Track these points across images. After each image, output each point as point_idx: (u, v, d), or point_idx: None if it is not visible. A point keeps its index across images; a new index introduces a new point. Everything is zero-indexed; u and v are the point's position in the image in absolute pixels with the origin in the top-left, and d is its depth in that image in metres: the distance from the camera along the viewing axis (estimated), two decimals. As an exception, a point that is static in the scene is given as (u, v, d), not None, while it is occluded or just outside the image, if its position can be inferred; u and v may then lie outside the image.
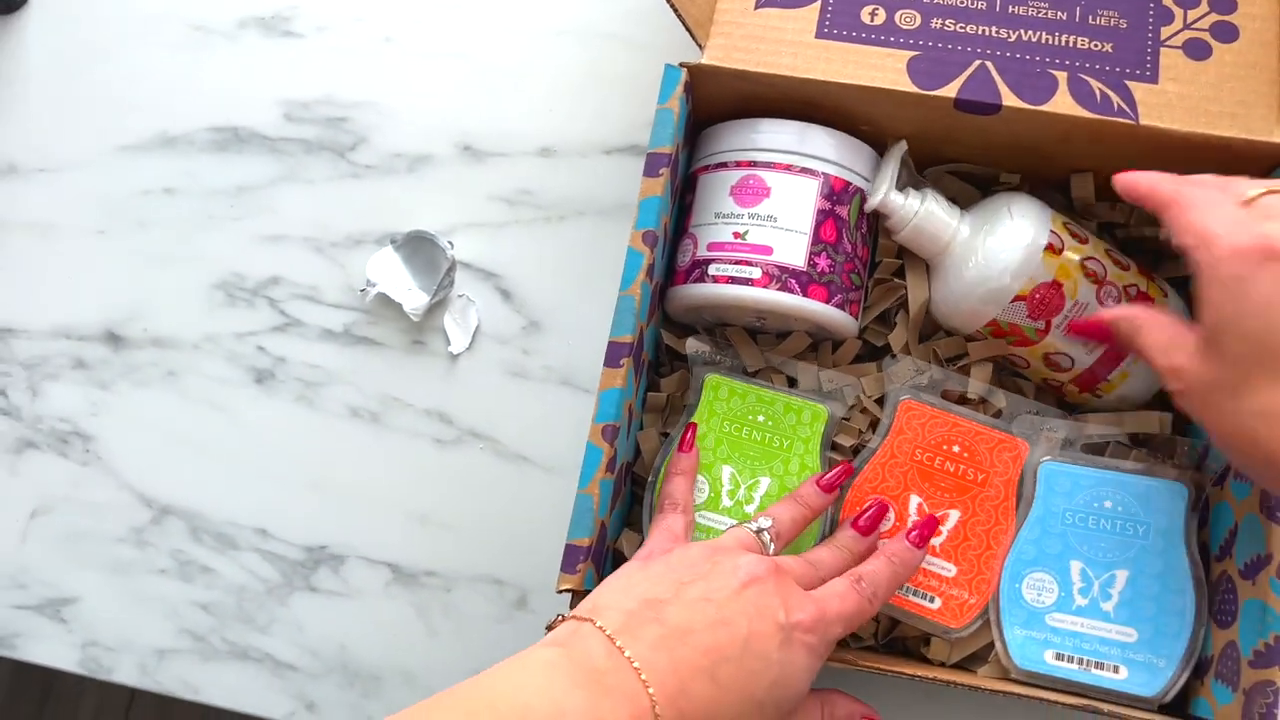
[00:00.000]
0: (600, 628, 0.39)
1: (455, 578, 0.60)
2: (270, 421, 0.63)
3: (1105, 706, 0.46)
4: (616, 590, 0.42)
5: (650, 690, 0.37)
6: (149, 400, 0.64)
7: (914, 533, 0.48)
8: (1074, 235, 0.52)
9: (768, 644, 0.40)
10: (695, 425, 0.53)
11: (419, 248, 0.63)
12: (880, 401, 0.55)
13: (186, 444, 0.63)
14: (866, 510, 0.49)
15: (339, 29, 0.68)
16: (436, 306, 0.63)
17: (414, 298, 0.62)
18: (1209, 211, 0.39)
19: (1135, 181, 0.43)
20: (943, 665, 0.52)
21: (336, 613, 0.60)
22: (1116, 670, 0.48)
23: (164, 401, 0.64)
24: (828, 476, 0.50)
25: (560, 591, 0.46)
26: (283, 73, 0.68)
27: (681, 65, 0.51)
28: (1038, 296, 0.51)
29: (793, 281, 0.52)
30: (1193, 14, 0.51)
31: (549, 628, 0.42)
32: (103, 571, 0.62)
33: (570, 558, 0.46)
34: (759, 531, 0.46)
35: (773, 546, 0.46)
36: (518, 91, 0.66)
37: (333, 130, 0.67)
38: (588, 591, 0.47)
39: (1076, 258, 0.51)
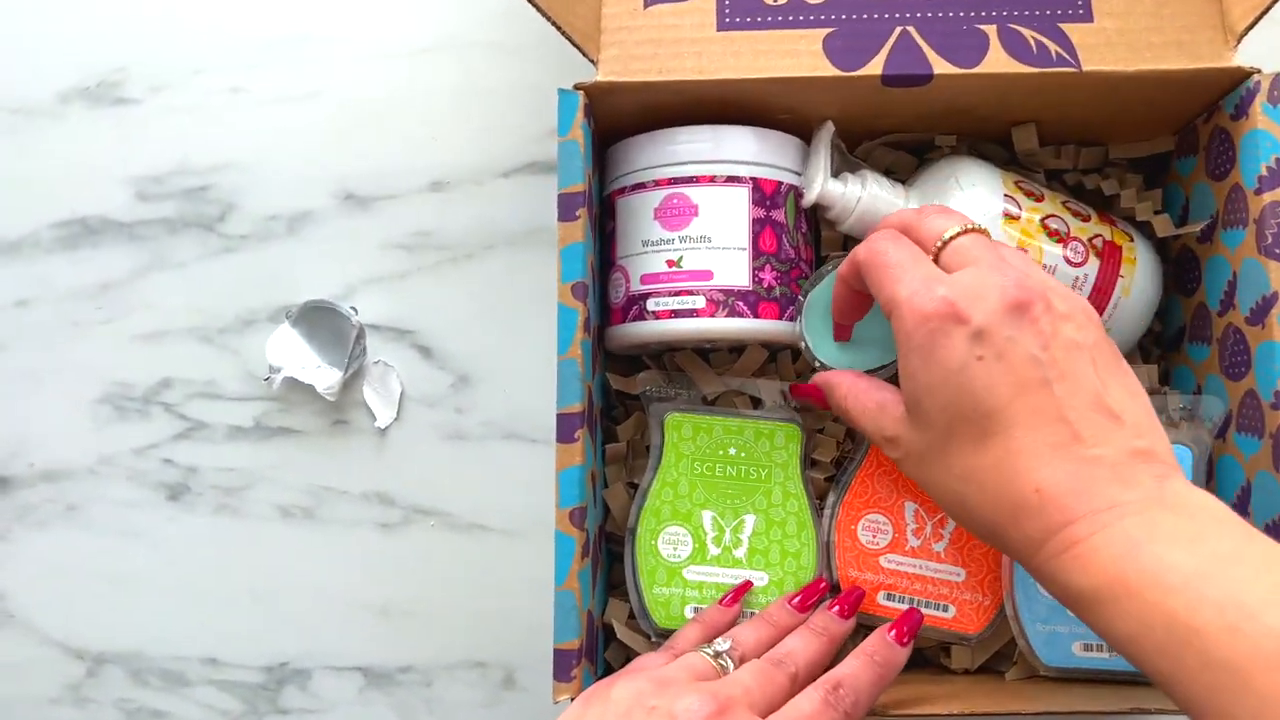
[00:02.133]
0: None
1: (433, 669, 0.56)
2: (193, 539, 0.57)
3: (1154, 706, 0.43)
4: None
5: None
6: (53, 541, 0.57)
7: (898, 631, 0.43)
8: (1028, 194, 0.48)
9: None
10: (750, 584, 0.48)
11: (320, 319, 0.57)
12: (852, 405, 0.51)
13: (107, 581, 0.57)
14: (848, 594, 0.46)
15: (177, 87, 0.60)
16: (353, 379, 0.57)
17: (325, 376, 0.56)
18: (901, 273, 0.38)
19: (853, 256, 0.42)
20: (966, 672, 0.49)
21: (312, 731, 0.56)
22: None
23: (70, 540, 0.57)
24: (799, 597, 0.46)
25: (558, 702, 0.42)
26: (124, 147, 0.59)
27: (577, 87, 0.45)
28: (1003, 273, 0.47)
29: (740, 304, 0.47)
30: (1118, -64, 0.47)
31: None
32: (43, 739, 0.56)
33: (562, 664, 0.42)
34: (716, 656, 0.41)
35: (733, 669, 0.41)
36: (392, 124, 0.59)
37: (194, 202, 0.59)
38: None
39: (1037, 217, 0.48)
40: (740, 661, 0.41)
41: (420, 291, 0.58)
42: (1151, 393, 0.48)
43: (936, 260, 0.39)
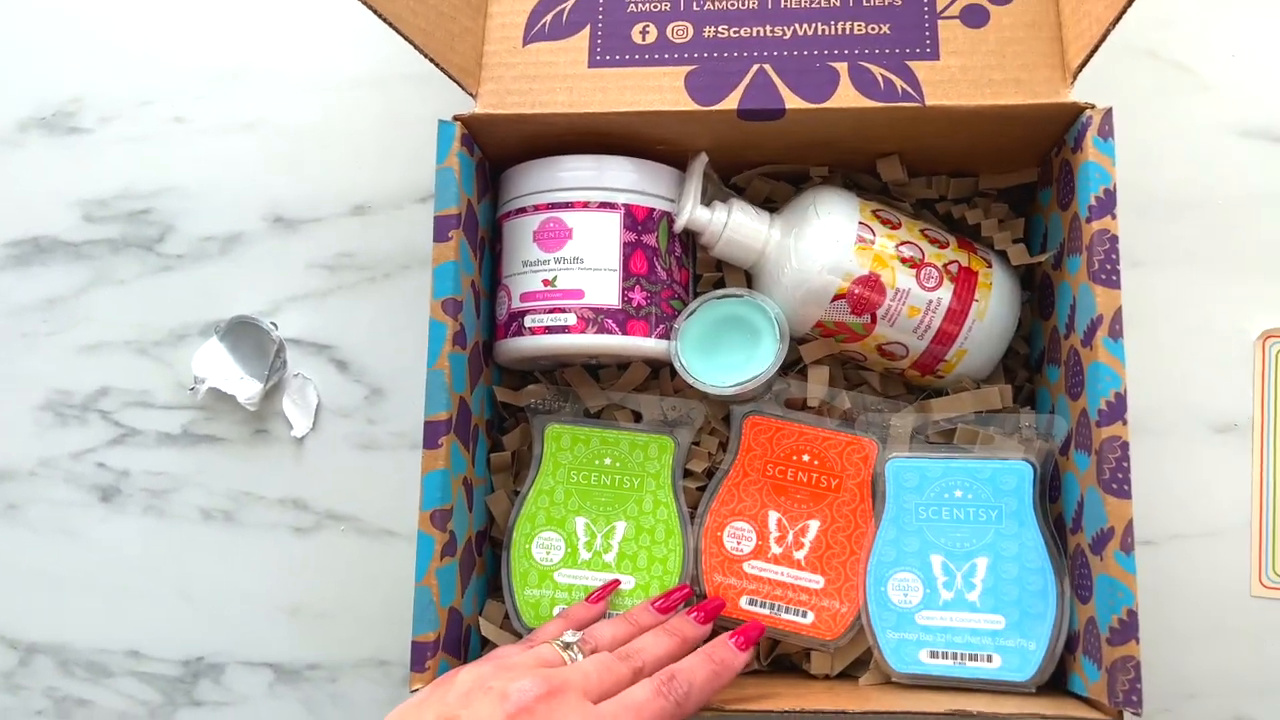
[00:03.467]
0: None
1: (339, 666, 0.59)
2: (123, 538, 0.61)
3: (975, 710, 0.45)
4: None
5: None
6: (-6, 538, 0.62)
7: (739, 637, 0.46)
8: (884, 222, 0.51)
9: None
10: (617, 582, 0.51)
11: (244, 334, 0.61)
12: (727, 420, 0.54)
13: (41, 576, 0.61)
14: (709, 602, 0.49)
15: (126, 117, 0.64)
16: (273, 391, 0.61)
17: (246, 387, 0.60)
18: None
19: None
20: (826, 677, 0.51)
21: (225, 723, 0.59)
22: (990, 659, 0.47)
23: (10, 537, 0.61)
24: (662, 600, 0.49)
25: (413, 690, 0.45)
26: (75, 172, 0.64)
27: (455, 118, 0.49)
28: (857, 291, 0.50)
29: (609, 321, 0.50)
30: (966, -21, 0.50)
31: None
32: (-24, 724, 0.60)
33: (418, 655, 0.45)
34: (566, 647, 0.43)
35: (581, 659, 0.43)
36: (321, 152, 0.63)
37: (136, 224, 0.63)
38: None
39: (891, 243, 0.50)
40: (591, 654, 0.44)
41: (340, 308, 0.62)
42: (1005, 411, 0.51)
43: None
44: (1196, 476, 0.56)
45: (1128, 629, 0.42)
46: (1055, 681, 0.48)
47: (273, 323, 0.60)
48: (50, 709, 0.60)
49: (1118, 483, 0.43)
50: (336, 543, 0.60)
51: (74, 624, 0.60)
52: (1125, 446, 0.44)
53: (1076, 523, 0.47)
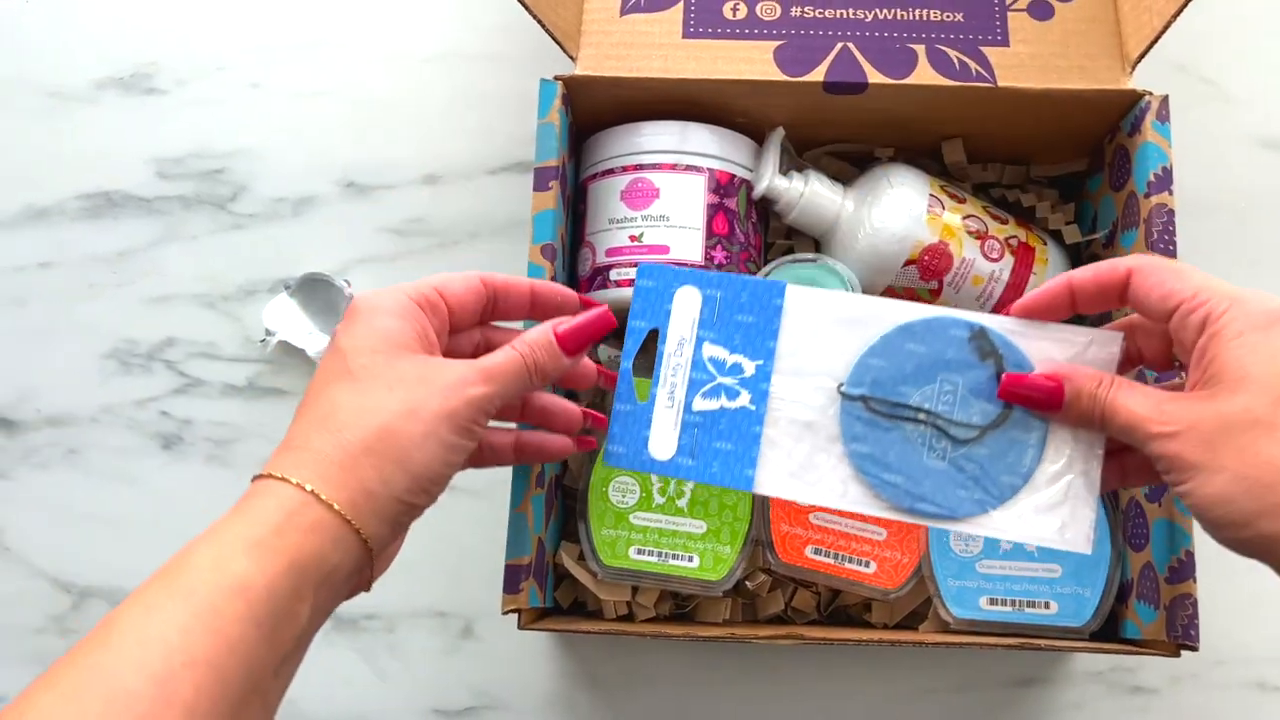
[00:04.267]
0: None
1: (396, 616, 0.60)
2: (183, 486, 0.62)
3: (1042, 641, 0.47)
4: None
5: (265, 474, 0.36)
6: (52, 482, 0.62)
7: (565, 337, 0.42)
8: (952, 196, 0.54)
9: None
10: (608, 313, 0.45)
11: (315, 290, 0.62)
12: (792, 382, 0.56)
13: (98, 521, 0.61)
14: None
15: (203, 81, 0.67)
16: (341, 347, 0.62)
17: (316, 341, 0.62)
18: (1197, 272, 0.37)
19: (1069, 279, 0.39)
20: (885, 627, 0.53)
21: (279, 670, 0.59)
22: (1048, 606, 0.50)
23: (68, 481, 0.62)
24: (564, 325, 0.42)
25: (506, 613, 0.46)
26: (150, 131, 0.66)
27: (556, 78, 0.52)
28: (926, 259, 0.53)
29: (693, 276, 0.52)
30: (1032, -23, 0.54)
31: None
32: (26, 665, 0.60)
33: (511, 578, 0.46)
34: None
35: None
36: (394, 122, 0.66)
37: (210, 183, 0.65)
38: (535, 609, 0.48)
39: (957, 217, 0.54)
40: None
41: (408, 272, 0.64)
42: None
43: None
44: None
45: (1185, 568, 0.45)
46: (1107, 632, 0.51)
47: (345, 280, 0.62)
48: (102, 652, 0.60)
49: (1176, 433, 0.46)
50: (398, 496, 0.61)
51: (130, 569, 0.60)
52: (1183, 400, 0.47)
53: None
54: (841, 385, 0.44)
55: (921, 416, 0.44)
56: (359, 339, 0.38)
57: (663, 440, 0.45)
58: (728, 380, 0.45)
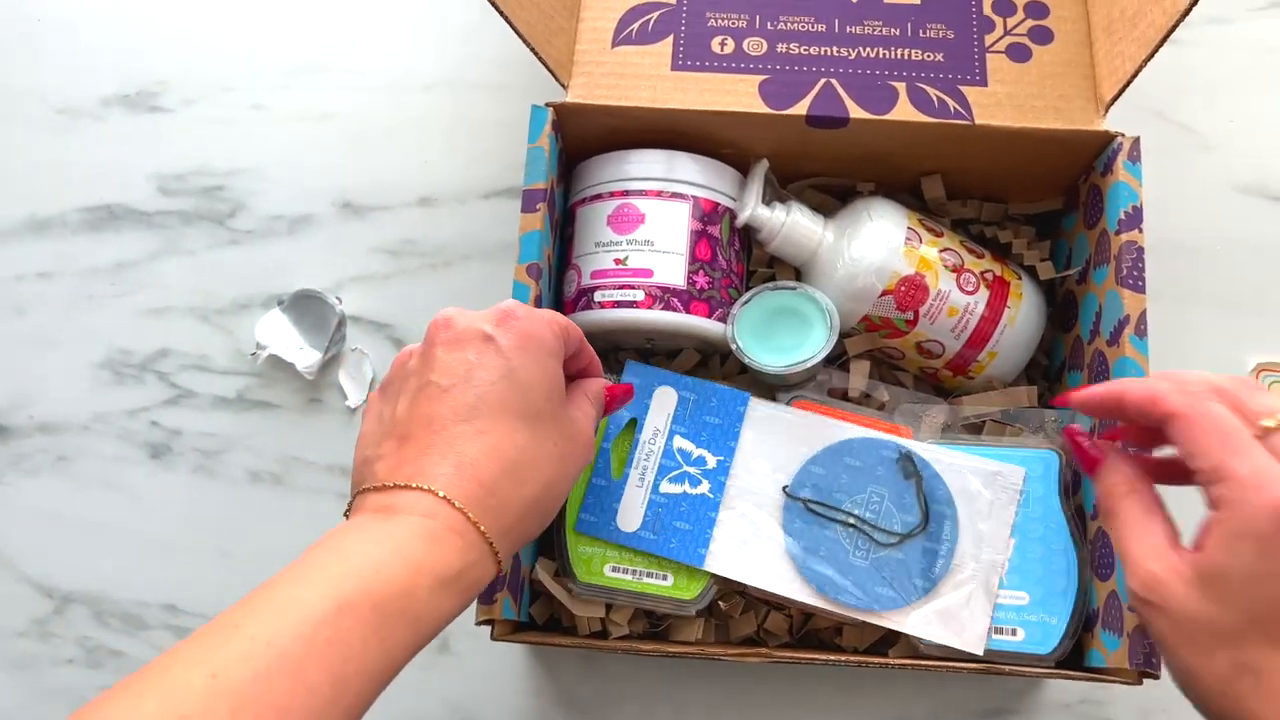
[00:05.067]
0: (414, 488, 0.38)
1: (375, 630, 0.60)
2: (170, 495, 0.62)
3: (1007, 668, 0.48)
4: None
5: (460, 508, 0.37)
6: (41, 488, 0.63)
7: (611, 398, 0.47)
8: (930, 230, 0.56)
9: (461, 354, 0.39)
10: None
11: (307, 307, 0.64)
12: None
13: (84, 528, 0.62)
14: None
15: (208, 101, 0.68)
16: (330, 363, 0.64)
17: (306, 356, 0.63)
18: (1228, 442, 0.35)
19: (1124, 391, 0.39)
20: (855, 651, 0.54)
21: (256, 680, 0.60)
22: (1014, 633, 0.51)
23: (57, 487, 0.63)
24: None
25: (479, 623, 0.47)
26: (153, 148, 0.68)
27: (548, 105, 0.53)
28: (903, 290, 0.54)
29: (675, 300, 0.54)
30: (1011, 21, 0.56)
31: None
32: (5, 669, 0.60)
33: (486, 590, 0.47)
34: None
35: None
36: (391, 147, 0.67)
37: (209, 199, 0.67)
38: (509, 621, 0.48)
39: (934, 250, 0.55)
40: None
41: (400, 291, 0.65)
42: (1030, 409, 0.55)
43: (1263, 440, 0.36)
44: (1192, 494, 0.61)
45: (1149, 597, 0.46)
46: (1073, 661, 0.51)
47: (337, 297, 0.64)
48: (81, 658, 0.60)
49: (1142, 464, 0.48)
50: (381, 510, 0.62)
51: (113, 576, 0.62)
52: (1148, 433, 0.48)
53: (1097, 509, 0.51)
54: (786, 486, 0.53)
55: (851, 520, 0.52)
56: (534, 376, 0.40)
57: (630, 515, 0.53)
58: (692, 470, 0.54)
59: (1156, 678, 0.46)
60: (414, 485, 0.37)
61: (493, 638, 0.48)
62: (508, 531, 0.38)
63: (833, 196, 0.61)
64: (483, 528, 0.37)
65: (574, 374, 0.46)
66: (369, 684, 0.33)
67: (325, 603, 0.33)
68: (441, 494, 0.37)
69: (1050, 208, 0.60)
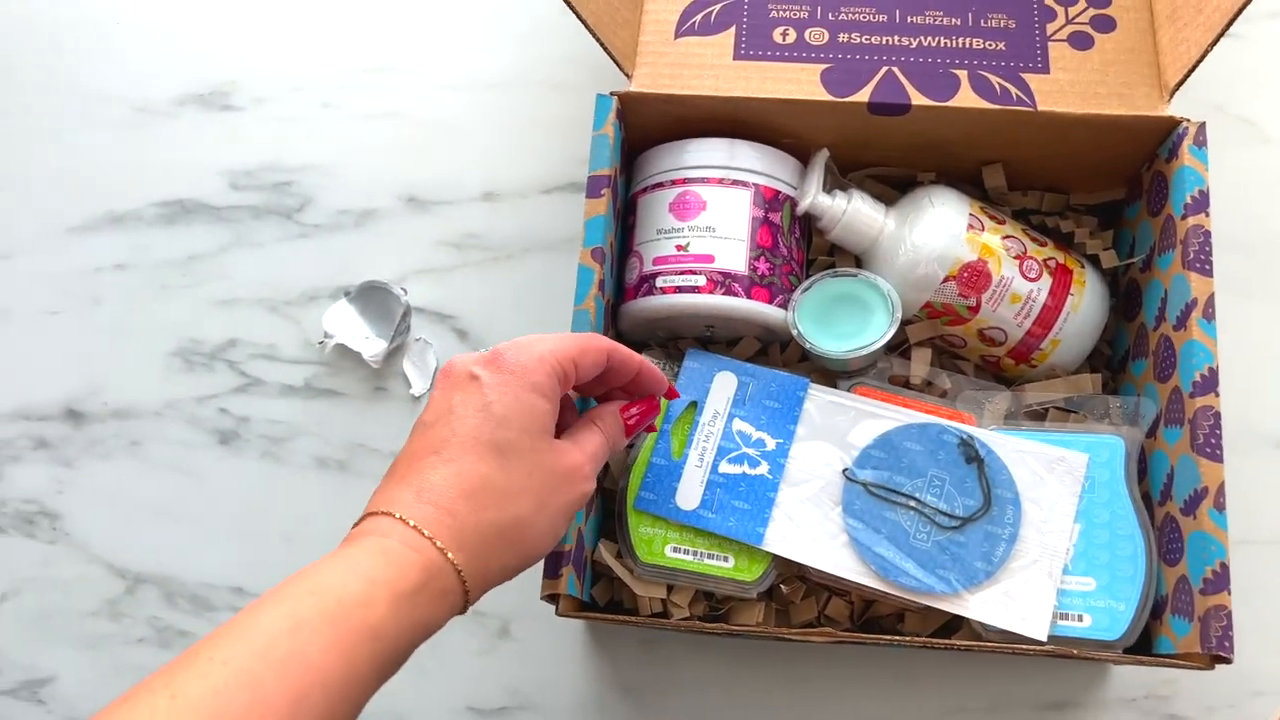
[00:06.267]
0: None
1: (436, 614, 0.61)
2: (237, 480, 0.64)
3: (1074, 651, 0.48)
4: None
5: (415, 525, 0.38)
6: (114, 472, 0.64)
7: (633, 413, 0.47)
8: (991, 217, 0.56)
9: (450, 395, 0.40)
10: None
11: (373, 297, 0.65)
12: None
13: (155, 511, 0.64)
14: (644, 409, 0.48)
15: (278, 99, 0.70)
16: (395, 352, 0.65)
17: (372, 345, 0.64)
18: None
19: None
20: (916, 636, 0.54)
21: (320, 662, 0.61)
22: (1081, 619, 0.50)
23: (129, 471, 0.65)
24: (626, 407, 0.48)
25: (544, 597, 0.48)
26: (225, 145, 0.70)
27: (612, 94, 0.54)
28: (965, 275, 0.54)
29: (736, 285, 0.54)
30: (1073, 10, 0.56)
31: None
32: (78, 648, 0.62)
33: (551, 564, 0.48)
34: None
35: None
36: (456, 143, 0.69)
37: (278, 194, 0.69)
38: (572, 598, 0.49)
39: (996, 237, 0.55)
40: None
41: (464, 284, 0.66)
42: (1094, 396, 0.55)
43: None
44: (1257, 488, 0.60)
45: (1220, 580, 0.46)
46: (1141, 646, 0.51)
47: (402, 288, 0.65)
48: (152, 637, 0.62)
49: (1211, 447, 0.47)
50: (443, 497, 0.63)
51: (182, 558, 0.63)
52: (1218, 415, 0.48)
53: (1165, 495, 0.51)
54: (847, 469, 0.53)
55: (912, 504, 0.52)
56: (512, 410, 0.40)
57: (689, 494, 0.53)
58: (751, 451, 0.54)
59: (1229, 662, 0.45)
60: (379, 511, 0.39)
61: (557, 613, 0.48)
62: (473, 555, 0.39)
63: (891, 187, 0.61)
64: (439, 543, 0.38)
65: (604, 393, 0.48)
66: (332, 699, 0.33)
67: (283, 621, 0.34)
68: (398, 515, 0.38)
69: (1112, 197, 0.60)
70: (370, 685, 0.35)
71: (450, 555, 0.38)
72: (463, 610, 0.39)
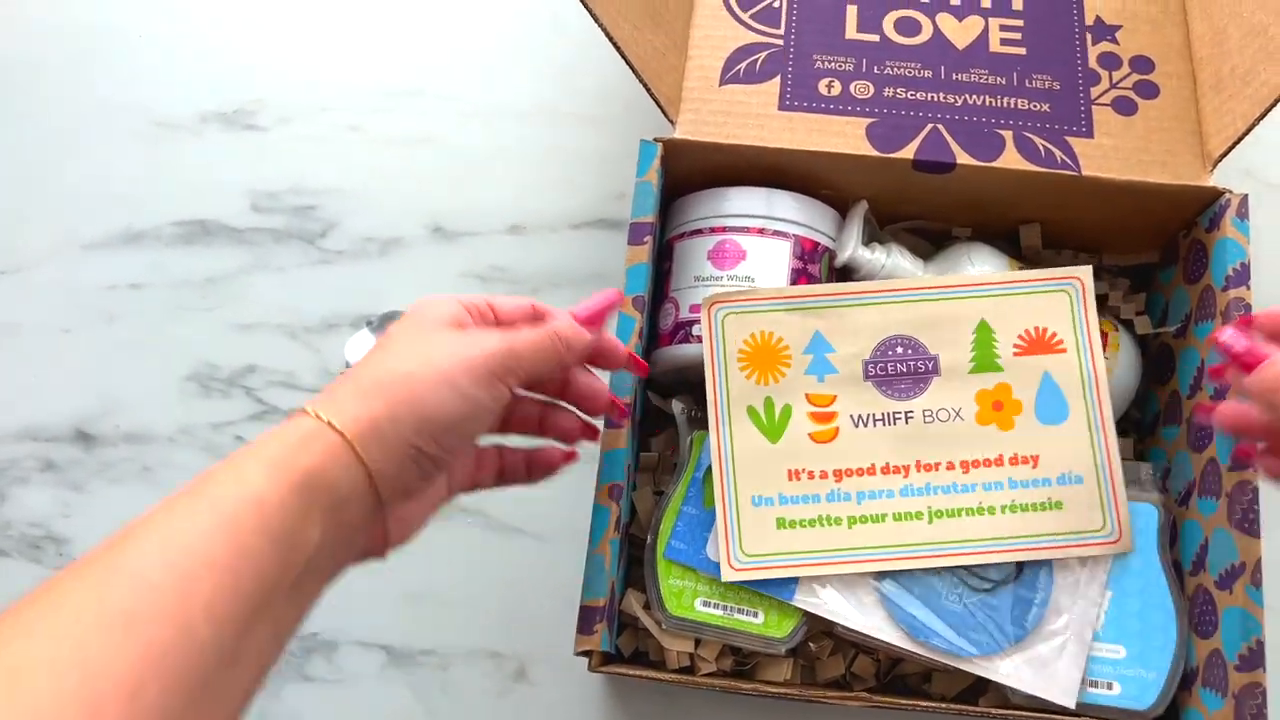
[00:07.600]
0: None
1: (451, 654, 0.60)
2: (252, 510, 0.63)
3: (1104, 719, 0.48)
4: None
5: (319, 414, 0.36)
6: (124, 497, 0.63)
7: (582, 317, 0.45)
8: (1029, 280, 0.56)
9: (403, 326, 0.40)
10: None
11: (396, 328, 0.64)
12: (861, 448, 0.58)
13: (166, 539, 0.62)
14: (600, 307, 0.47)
15: (304, 120, 0.69)
16: (417, 385, 0.64)
17: (394, 377, 0.63)
18: None
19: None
20: (943, 698, 0.53)
21: (332, 701, 0.60)
22: (1110, 686, 0.50)
23: (139, 497, 0.63)
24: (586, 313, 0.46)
25: (579, 653, 0.47)
26: (248, 165, 0.69)
27: (656, 140, 0.54)
28: (1003, 338, 0.54)
29: (775, 337, 0.54)
30: (1117, 74, 0.56)
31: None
32: (83, 677, 0.60)
33: (586, 619, 0.47)
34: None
35: None
36: (485, 173, 0.68)
37: (301, 218, 0.68)
38: (604, 653, 0.48)
39: (1034, 301, 0.55)
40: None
41: (487, 317, 0.65)
42: (1126, 461, 0.55)
43: None
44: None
45: (1256, 657, 0.46)
46: (1169, 717, 0.51)
47: (427, 320, 0.64)
48: (158, 669, 0.60)
49: (1249, 522, 0.47)
50: (463, 534, 0.62)
51: (193, 588, 0.62)
52: (1256, 490, 0.48)
53: (1197, 565, 0.51)
54: None
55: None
56: (402, 326, 0.41)
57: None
58: None
59: (1263, 740, 0.45)
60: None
61: (590, 668, 0.48)
62: (341, 403, 0.37)
63: (925, 240, 0.61)
64: (308, 407, 0.36)
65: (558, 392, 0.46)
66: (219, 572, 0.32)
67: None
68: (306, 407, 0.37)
69: (1145, 261, 0.60)
70: (272, 561, 0.33)
71: (313, 411, 0.36)
72: (370, 479, 0.36)
